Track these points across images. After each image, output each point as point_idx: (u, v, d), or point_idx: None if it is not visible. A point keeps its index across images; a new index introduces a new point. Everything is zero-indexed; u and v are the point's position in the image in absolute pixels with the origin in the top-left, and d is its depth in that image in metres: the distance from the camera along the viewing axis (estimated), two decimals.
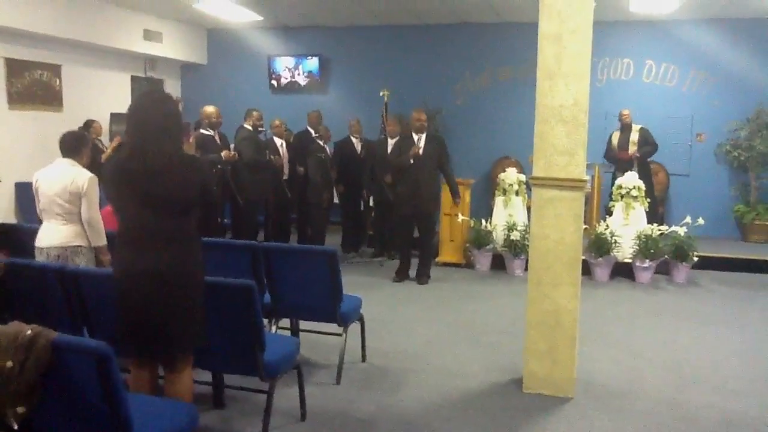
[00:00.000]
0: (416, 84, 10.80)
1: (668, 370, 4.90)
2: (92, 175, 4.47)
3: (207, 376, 4.00)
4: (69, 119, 9.02)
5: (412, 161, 7.19)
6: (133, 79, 10.87)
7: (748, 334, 5.87)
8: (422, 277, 7.50)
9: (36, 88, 9.19)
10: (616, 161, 9.05)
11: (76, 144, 4.53)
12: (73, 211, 4.39)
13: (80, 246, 4.41)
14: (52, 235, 4.39)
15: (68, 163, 4.45)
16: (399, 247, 7.81)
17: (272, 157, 8.06)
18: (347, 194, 9.12)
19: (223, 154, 7.33)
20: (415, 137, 7.30)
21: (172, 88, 11.79)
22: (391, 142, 8.26)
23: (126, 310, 3.08)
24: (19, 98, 8.97)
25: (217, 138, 7.55)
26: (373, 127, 9.80)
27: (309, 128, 8.73)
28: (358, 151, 8.94)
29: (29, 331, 2.36)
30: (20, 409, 2.38)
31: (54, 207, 4.38)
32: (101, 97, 10.05)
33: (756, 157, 9.65)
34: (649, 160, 9.18)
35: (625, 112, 9.02)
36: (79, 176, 4.39)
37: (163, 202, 3.02)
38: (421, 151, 7.18)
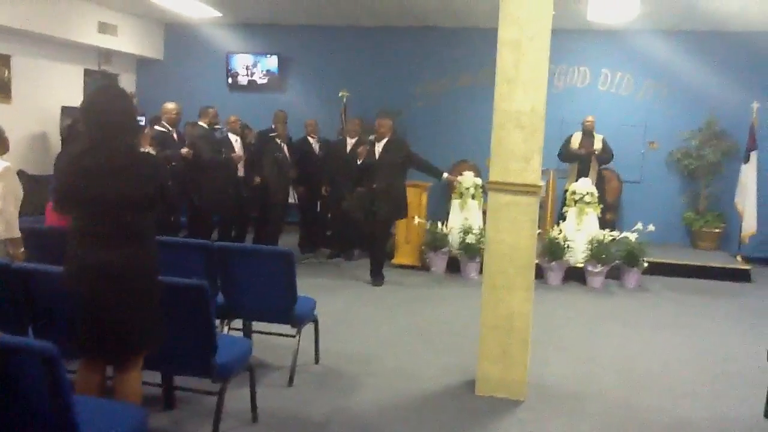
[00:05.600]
0: (377, 85, 10.77)
1: (619, 374, 4.99)
2: (8, 164, 4.35)
3: (157, 377, 3.92)
4: (18, 111, 8.77)
5: (359, 162, 7.39)
6: (87, 72, 10.59)
7: (697, 338, 6.01)
8: (376, 279, 7.50)
9: None
10: (572, 158, 9.13)
11: None
12: None
13: None
14: None
15: None
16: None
17: (231, 155, 7.93)
18: (305, 195, 9.06)
19: (183, 151, 7.21)
20: (377, 146, 7.39)
21: (127, 82, 11.54)
22: (350, 141, 8.50)
23: (80, 308, 3.01)
24: None
25: (174, 135, 7.44)
26: (332, 127, 9.77)
27: (273, 126, 8.58)
28: (316, 151, 8.90)
29: None
30: None
31: None
32: (53, 90, 9.77)
33: (706, 166, 9.88)
34: (603, 168, 9.32)
35: (590, 118, 9.12)
36: None
37: (122, 199, 2.98)
38: (377, 156, 7.29)
